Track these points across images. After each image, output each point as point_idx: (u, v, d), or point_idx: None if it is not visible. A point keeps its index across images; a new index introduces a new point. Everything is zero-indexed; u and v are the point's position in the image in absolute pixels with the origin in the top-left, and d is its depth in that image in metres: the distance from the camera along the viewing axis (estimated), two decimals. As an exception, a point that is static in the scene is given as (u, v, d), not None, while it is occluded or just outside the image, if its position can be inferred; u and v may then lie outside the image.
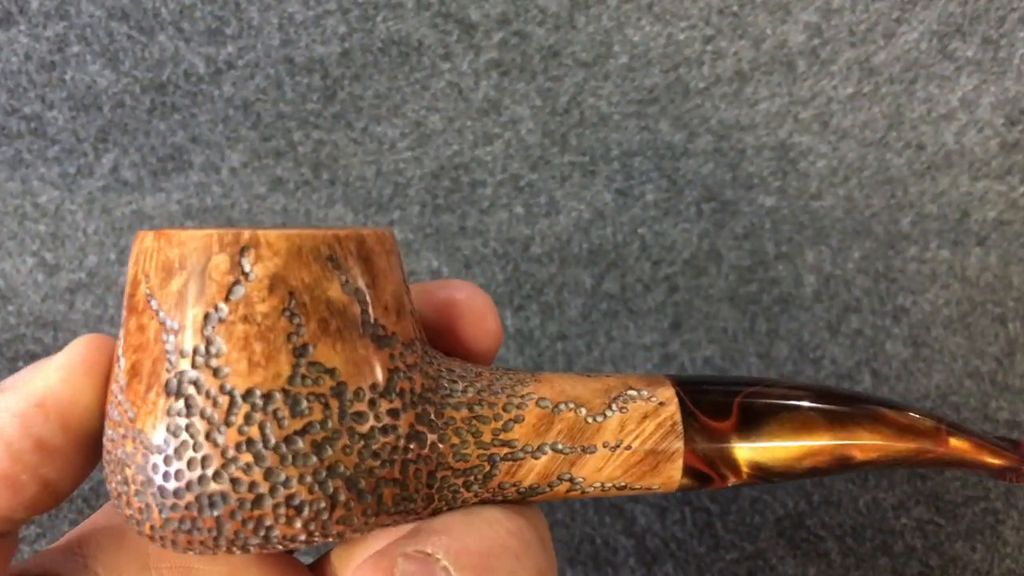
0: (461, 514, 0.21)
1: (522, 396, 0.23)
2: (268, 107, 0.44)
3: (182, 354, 0.19)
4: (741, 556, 0.41)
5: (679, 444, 0.23)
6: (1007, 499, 0.43)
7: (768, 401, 0.24)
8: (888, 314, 0.45)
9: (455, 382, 0.22)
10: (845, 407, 0.25)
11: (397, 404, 0.20)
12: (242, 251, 0.19)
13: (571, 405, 0.23)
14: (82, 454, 0.20)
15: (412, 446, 0.20)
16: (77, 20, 0.43)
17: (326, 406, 0.19)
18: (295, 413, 0.19)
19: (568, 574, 0.40)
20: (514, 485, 0.22)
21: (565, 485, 0.23)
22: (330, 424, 0.19)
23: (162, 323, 0.19)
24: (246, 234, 0.19)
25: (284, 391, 0.19)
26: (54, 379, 0.20)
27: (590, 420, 0.23)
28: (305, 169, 0.45)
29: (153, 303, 0.19)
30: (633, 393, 0.23)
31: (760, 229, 0.46)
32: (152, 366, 0.19)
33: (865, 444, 0.24)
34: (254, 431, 0.19)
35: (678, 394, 0.23)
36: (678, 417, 0.23)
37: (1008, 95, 0.44)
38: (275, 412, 0.19)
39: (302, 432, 0.19)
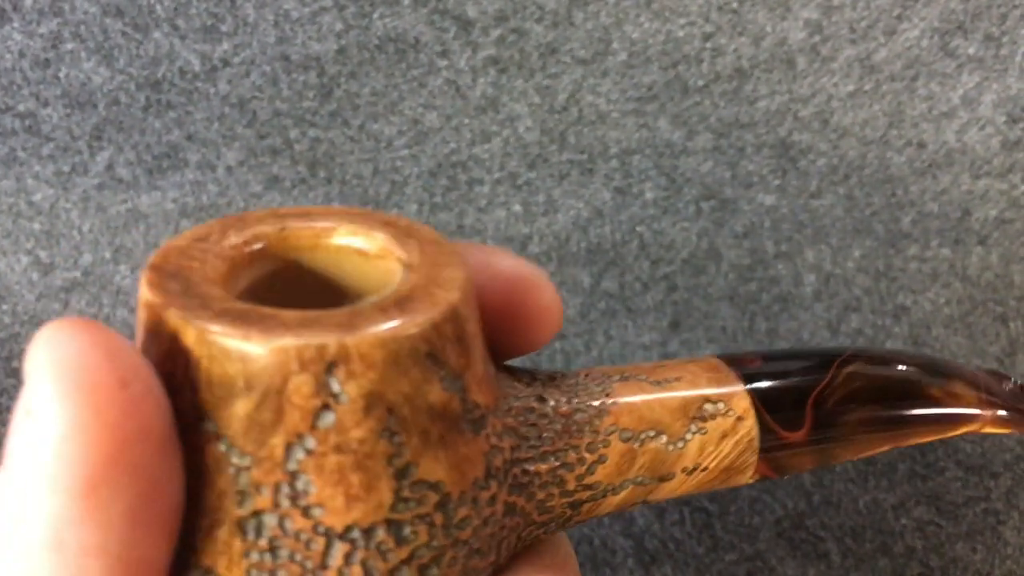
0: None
1: (606, 433, 0.21)
2: (264, 105, 0.44)
3: (259, 491, 0.15)
4: (740, 557, 0.41)
5: (754, 458, 0.22)
6: (1008, 500, 0.42)
7: (839, 408, 0.24)
8: (888, 313, 0.45)
9: (533, 424, 0.20)
10: (912, 408, 0.25)
11: (494, 488, 0.18)
12: (329, 368, 0.15)
13: (652, 434, 0.21)
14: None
15: (506, 521, 0.19)
16: (71, 17, 0.43)
17: (431, 524, 0.17)
18: (400, 542, 0.16)
19: (566, 575, 0.40)
20: (588, 518, 0.21)
21: (635, 508, 0.22)
22: (436, 542, 0.17)
23: (226, 453, 0.16)
24: (332, 347, 0.15)
25: (387, 521, 0.16)
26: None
27: (671, 448, 0.21)
28: (301, 167, 0.45)
29: (209, 425, 0.16)
30: (710, 408, 0.22)
31: (760, 228, 0.45)
32: (216, 500, 0.16)
33: (923, 438, 0.25)
34: (356, 571, 0.16)
35: (754, 404, 0.23)
36: (755, 433, 0.22)
37: (1010, 93, 0.43)
38: (379, 546, 0.16)
39: (408, 560, 0.17)
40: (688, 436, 0.22)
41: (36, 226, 0.45)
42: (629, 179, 0.45)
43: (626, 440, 0.21)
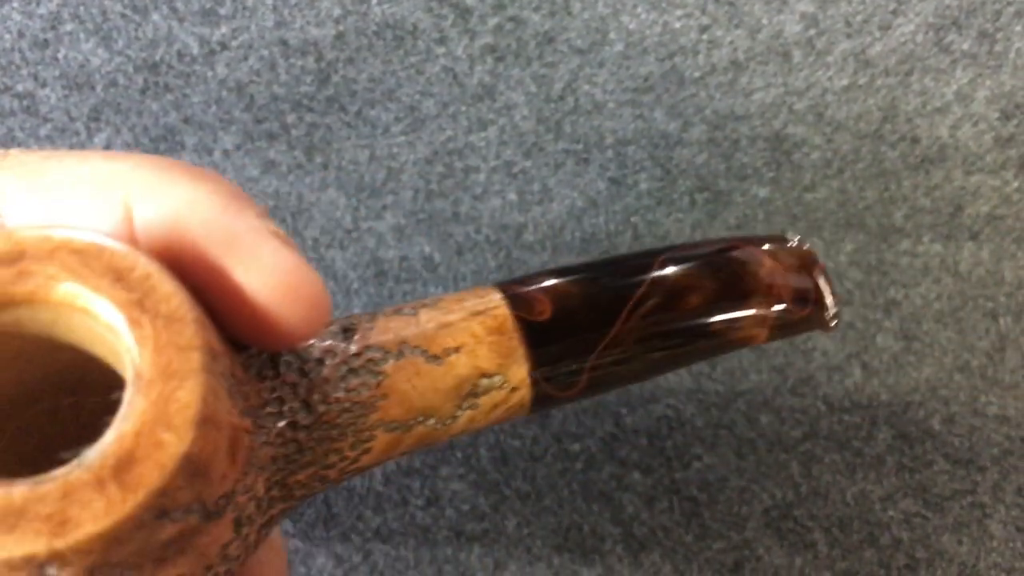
0: None
1: (371, 428, 0.20)
2: (261, 89, 0.44)
3: None
4: (728, 546, 0.41)
5: (524, 413, 0.23)
6: (995, 494, 0.43)
7: (615, 371, 0.24)
8: (879, 307, 0.45)
9: (294, 440, 0.19)
10: (696, 350, 0.26)
11: (247, 531, 0.17)
12: (42, 566, 0.14)
13: (421, 419, 0.21)
14: None
15: (264, 528, 0.19)
16: (71, -2, 0.43)
17: None
18: None
19: (555, 561, 0.40)
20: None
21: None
22: None
23: None
24: (42, 553, 0.14)
25: None
26: None
27: (440, 427, 0.21)
28: (298, 152, 0.45)
29: None
30: (486, 383, 0.22)
31: (753, 220, 0.45)
32: None
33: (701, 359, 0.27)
34: None
35: (531, 374, 0.22)
36: (528, 399, 0.23)
37: (1003, 89, 0.44)
38: None
39: None
40: (458, 414, 0.21)
41: (32, 206, 0.45)
42: (624, 169, 0.45)
43: (392, 430, 0.21)
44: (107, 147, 0.45)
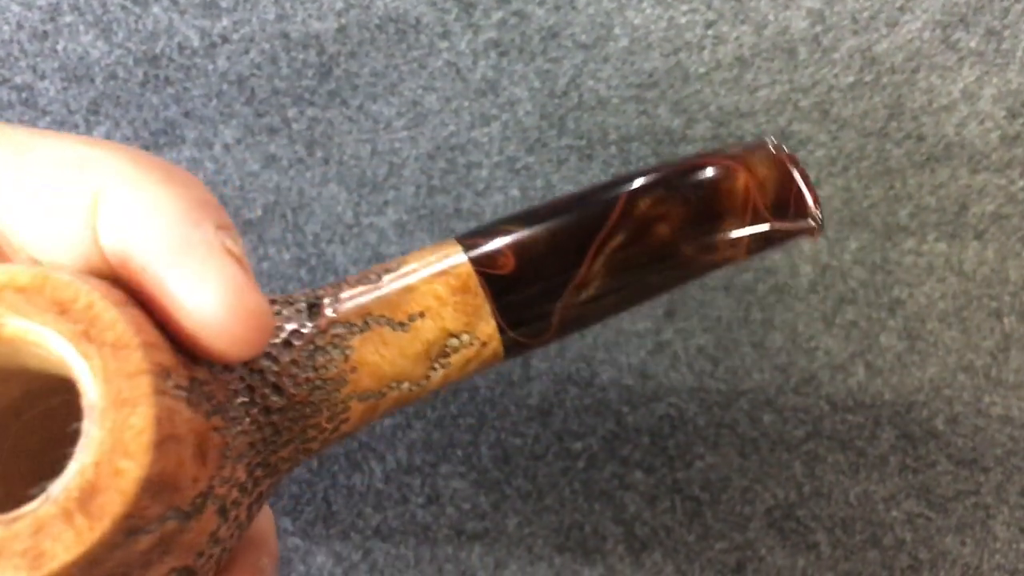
0: None
1: (345, 401, 0.21)
2: (263, 83, 0.44)
3: None
4: (730, 546, 0.41)
5: (499, 360, 0.23)
6: (998, 494, 0.42)
7: (587, 310, 0.24)
8: (883, 306, 0.45)
9: (271, 424, 0.20)
10: (666, 279, 0.25)
11: (235, 514, 0.18)
12: None
13: (394, 386, 0.22)
14: None
15: (255, 505, 0.19)
16: (70, -11, 0.43)
17: None
18: None
19: (556, 561, 0.40)
20: None
21: None
22: None
23: None
24: None
25: None
26: None
27: (414, 388, 0.22)
28: (299, 146, 0.44)
29: None
30: (454, 343, 0.22)
31: (757, 218, 0.45)
32: None
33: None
34: None
35: (499, 326, 0.22)
36: (500, 350, 0.23)
37: (1010, 87, 0.43)
38: None
39: None
40: (431, 374, 0.22)
41: (31, 200, 0.45)
42: (628, 166, 0.45)
43: (366, 399, 0.21)
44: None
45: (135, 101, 0.44)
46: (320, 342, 0.21)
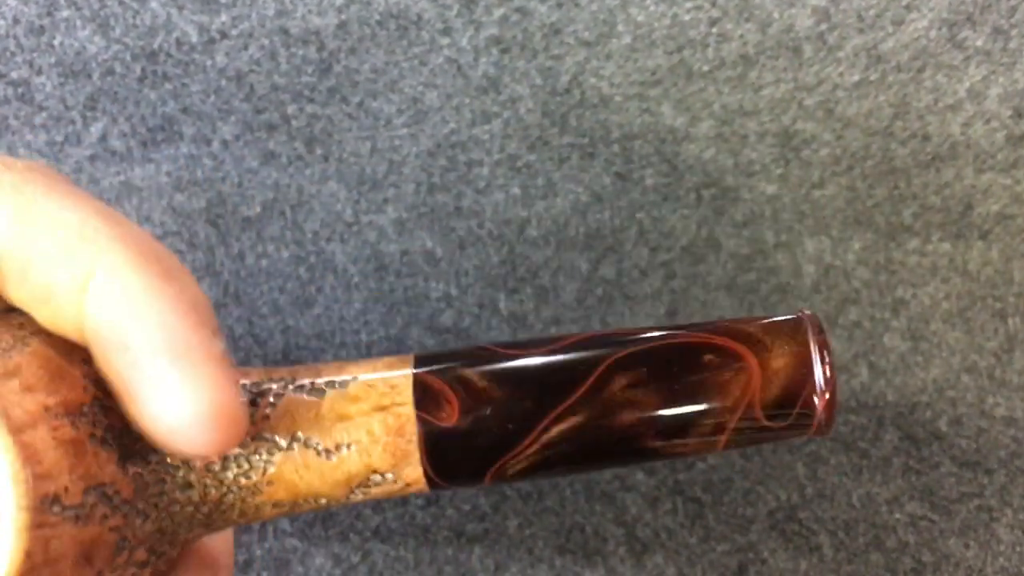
0: None
1: (257, 507, 0.21)
2: (262, 79, 0.43)
3: None
4: (732, 548, 0.40)
5: (424, 492, 0.23)
6: (1002, 497, 0.42)
7: (523, 467, 0.22)
8: (887, 306, 0.45)
9: (179, 512, 0.21)
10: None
11: None
12: None
13: (310, 500, 0.22)
14: None
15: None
16: (67, -16, 0.42)
17: None
18: None
19: (557, 563, 0.40)
20: None
21: None
22: None
23: None
24: None
25: None
26: None
27: (333, 504, 0.22)
28: (298, 143, 0.44)
29: None
30: (378, 479, 0.22)
31: (760, 217, 0.45)
32: None
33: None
34: None
35: (427, 475, 0.22)
36: (426, 489, 0.22)
37: (1017, 87, 0.43)
38: None
39: None
40: (351, 497, 0.22)
41: (27, 196, 0.44)
42: (630, 164, 0.44)
43: (280, 507, 0.21)
44: (103, 137, 0.44)
45: (132, 97, 0.43)
46: (245, 451, 0.21)
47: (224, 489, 0.21)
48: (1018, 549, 0.41)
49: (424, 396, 0.22)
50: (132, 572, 0.19)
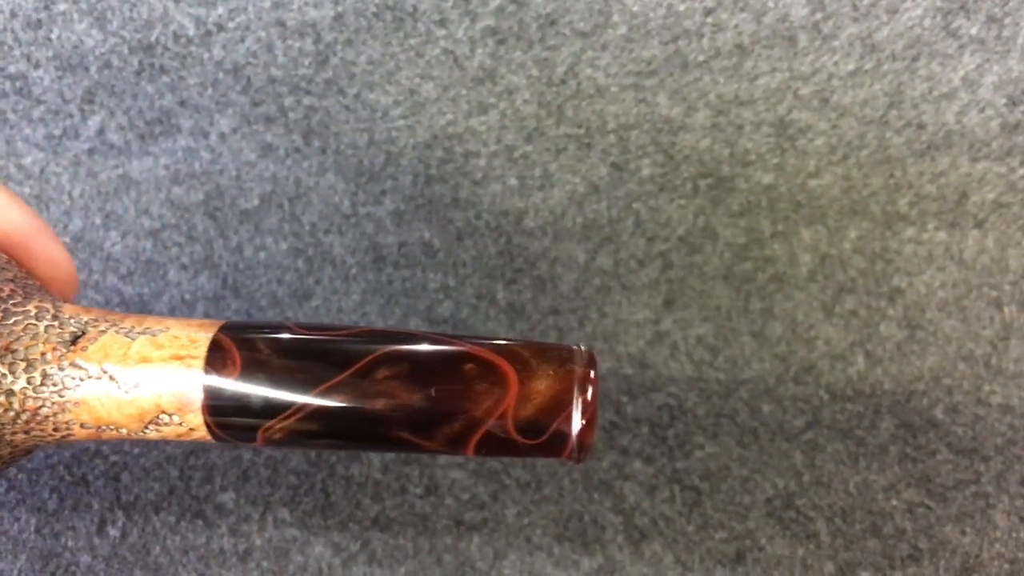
0: None
1: (67, 425, 0.25)
2: (259, 71, 0.43)
3: None
4: (730, 536, 0.40)
5: (212, 443, 0.26)
6: (998, 483, 0.42)
7: (287, 432, 0.25)
8: (883, 295, 0.45)
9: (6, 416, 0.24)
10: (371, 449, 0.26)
11: None
12: None
13: (112, 428, 0.25)
14: None
15: None
16: (64, -23, 0.42)
17: None
18: None
19: (555, 551, 0.40)
20: None
21: None
22: None
23: None
24: None
25: None
26: None
27: (133, 435, 0.25)
28: (296, 136, 0.44)
29: None
30: (165, 418, 0.24)
31: (756, 206, 0.45)
32: None
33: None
34: None
35: (207, 423, 0.24)
36: (209, 438, 0.25)
37: (1011, 75, 0.43)
38: None
39: None
40: (147, 432, 0.25)
41: (26, 190, 0.44)
42: (626, 155, 0.44)
43: (87, 429, 0.25)
44: (101, 130, 0.44)
45: (130, 90, 0.44)
46: (60, 372, 0.25)
47: (40, 402, 0.24)
48: (1014, 535, 0.41)
49: (215, 354, 0.24)
50: None
